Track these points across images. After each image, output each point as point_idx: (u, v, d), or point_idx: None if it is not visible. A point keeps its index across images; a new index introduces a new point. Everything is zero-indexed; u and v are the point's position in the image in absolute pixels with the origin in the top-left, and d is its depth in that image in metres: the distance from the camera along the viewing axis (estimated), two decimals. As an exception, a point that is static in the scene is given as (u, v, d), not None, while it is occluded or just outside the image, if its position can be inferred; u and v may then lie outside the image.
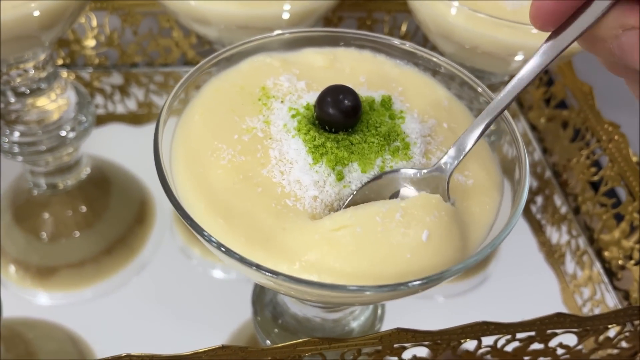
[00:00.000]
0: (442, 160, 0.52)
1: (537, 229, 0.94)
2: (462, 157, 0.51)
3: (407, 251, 0.46)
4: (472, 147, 0.51)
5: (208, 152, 0.53)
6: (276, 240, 0.47)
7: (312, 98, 0.57)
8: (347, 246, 0.46)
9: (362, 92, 0.58)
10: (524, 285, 0.87)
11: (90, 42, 1.02)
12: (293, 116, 0.55)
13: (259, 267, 0.44)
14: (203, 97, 0.60)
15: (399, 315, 0.76)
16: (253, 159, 0.53)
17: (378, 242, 0.46)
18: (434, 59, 0.64)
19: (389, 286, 0.44)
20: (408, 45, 0.66)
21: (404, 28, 1.07)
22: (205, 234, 0.45)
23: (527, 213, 0.95)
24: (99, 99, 1.03)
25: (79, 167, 0.96)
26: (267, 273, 0.43)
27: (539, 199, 0.97)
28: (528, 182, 0.52)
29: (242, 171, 0.52)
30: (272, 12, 0.80)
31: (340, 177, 0.50)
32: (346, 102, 0.52)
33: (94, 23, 1.01)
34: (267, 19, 0.81)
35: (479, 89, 0.61)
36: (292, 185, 0.51)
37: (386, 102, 0.57)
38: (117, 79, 1.04)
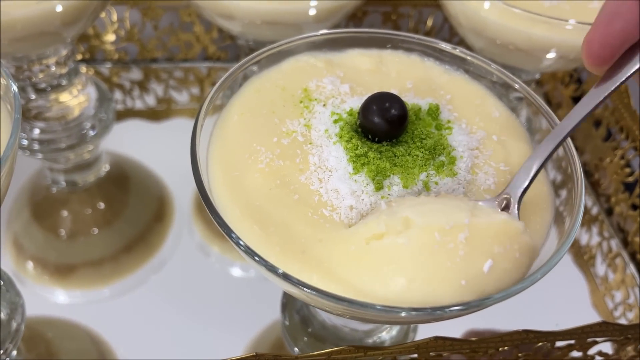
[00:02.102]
0: (511, 184, 0.49)
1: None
2: (530, 177, 0.49)
3: (463, 277, 0.42)
4: (541, 168, 0.49)
5: (246, 154, 0.52)
6: (312, 253, 0.45)
7: (355, 103, 0.55)
8: (389, 261, 0.43)
9: (409, 99, 0.56)
10: (552, 286, 0.83)
11: (110, 37, 1.00)
12: (335, 121, 0.53)
13: (288, 278, 0.42)
14: (243, 97, 0.58)
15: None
16: (292, 164, 0.51)
17: (430, 260, 0.42)
18: (486, 66, 0.61)
19: (424, 310, 0.42)
20: (459, 51, 0.63)
21: (429, 23, 1.05)
22: (242, 243, 0.43)
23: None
24: (117, 95, 1.01)
25: (98, 164, 0.95)
26: (303, 288, 0.42)
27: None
28: (582, 210, 0.50)
29: (280, 176, 0.50)
30: (298, 8, 0.78)
31: (379, 187, 0.48)
32: (392, 111, 0.50)
33: (114, 17, 0.98)
34: (292, 15, 0.79)
35: (534, 102, 0.59)
36: (330, 194, 0.49)
37: (433, 112, 0.54)
38: (136, 74, 1.02)
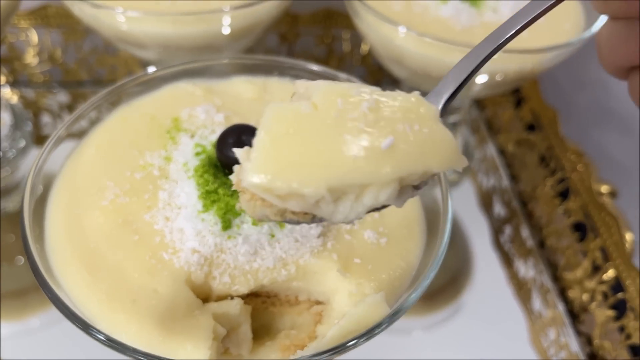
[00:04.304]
0: (438, 86, 0.40)
1: (506, 261, 0.88)
2: (463, 78, 0.40)
3: (358, 151, 0.34)
4: (476, 70, 0.41)
5: (93, 190, 0.48)
6: (143, 303, 0.42)
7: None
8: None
9: None
10: (495, 320, 0.82)
11: (33, 60, 0.97)
12: (197, 154, 0.50)
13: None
14: (107, 127, 0.55)
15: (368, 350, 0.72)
16: (139, 201, 0.48)
17: (329, 132, 0.35)
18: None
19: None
20: (344, 79, 0.59)
21: (365, 47, 1.02)
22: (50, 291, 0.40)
23: (496, 244, 0.89)
24: (46, 118, 0.98)
25: (20, 190, 0.92)
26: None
27: (507, 229, 0.91)
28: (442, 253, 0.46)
29: (123, 214, 0.47)
30: (209, 30, 0.75)
31: (226, 226, 0.45)
32: (248, 144, 0.46)
33: (35, 40, 0.96)
34: (206, 37, 0.76)
35: None
36: (174, 234, 0.45)
37: None
38: (63, 97, 1.00)
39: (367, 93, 0.37)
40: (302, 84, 0.38)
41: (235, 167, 0.36)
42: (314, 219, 0.35)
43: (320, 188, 0.33)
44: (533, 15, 0.40)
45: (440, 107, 0.39)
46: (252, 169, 0.34)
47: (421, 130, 0.36)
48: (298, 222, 0.36)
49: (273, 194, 0.34)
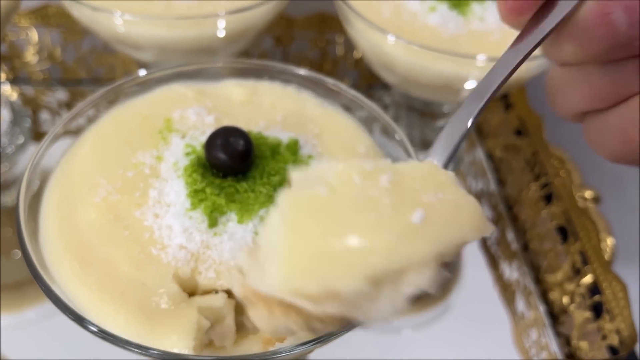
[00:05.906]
0: (431, 152, 0.38)
1: (492, 263, 0.90)
2: (456, 144, 0.37)
3: (390, 231, 0.31)
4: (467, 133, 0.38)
5: (86, 187, 0.51)
6: (131, 295, 0.44)
7: (215, 136, 0.53)
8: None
9: (275, 133, 0.55)
10: (481, 321, 0.84)
11: (32, 58, 1.00)
12: (187, 154, 0.52)
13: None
14: (101, 126, 0.57)
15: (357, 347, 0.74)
16: (130, 198, 0.49)
17: (348, 215, 0.31)
18: (357, 102, 0.60)
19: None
20: (331, 84, 0.61)
21: (358, 52, 1.04)
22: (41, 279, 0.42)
23: (483, 246, 0.92)
24: (45, 115, 1.00)
25: (18, 185, 0.94)
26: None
27: (494, 232, 0.93)
28: None
29: (114, 211, 0.49)
30: (205, 32, 0.77)
31: (212, 224, 0.47)
32: (235, 146, 0.48)
33: (35, 38, 0.98)
34: (201, 40, 0.78)
35: (397, 137, 0.57)
36: (162, 230, 0.47)
37: (292, 147, 0.53)
38: (62, 95, 1.02)
39: (382, 166, 0.34)
40: (299, 176, 0.35)
41: (234, 275, 0.34)
42: (343, 323, 0.32)
43: (357, 279, 0.30)
44: (516, 63, 0.39)
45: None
46: (275, 270, 0.30)
47: (446, 198, 0.33)
48: (328, 335, 0.35)
49: (304, 296, 0.30)
